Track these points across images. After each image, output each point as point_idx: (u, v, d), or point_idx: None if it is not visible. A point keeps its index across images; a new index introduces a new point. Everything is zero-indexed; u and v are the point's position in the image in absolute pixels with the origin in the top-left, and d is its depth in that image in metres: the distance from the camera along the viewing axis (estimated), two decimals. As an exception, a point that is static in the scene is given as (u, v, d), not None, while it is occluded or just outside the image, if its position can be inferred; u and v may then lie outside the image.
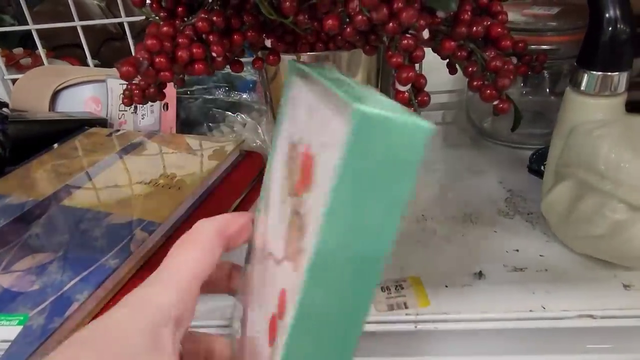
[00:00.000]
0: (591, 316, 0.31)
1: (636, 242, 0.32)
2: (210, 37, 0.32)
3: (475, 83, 0.30)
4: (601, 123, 0.33)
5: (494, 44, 0.31)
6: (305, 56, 0.37)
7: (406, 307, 0.33)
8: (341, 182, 0.14)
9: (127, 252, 0.34)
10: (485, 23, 0.31)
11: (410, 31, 0.27)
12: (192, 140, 0.50)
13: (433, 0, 0.26)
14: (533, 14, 0.50)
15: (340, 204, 0.14)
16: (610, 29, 0.31)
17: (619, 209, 0.32)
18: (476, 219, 0.42)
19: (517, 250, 0.38)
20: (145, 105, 0.57)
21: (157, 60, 0.29)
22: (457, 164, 0.51)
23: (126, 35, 0.63)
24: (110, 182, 0.43)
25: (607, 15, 0.31)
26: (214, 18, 0.32)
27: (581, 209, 0.33)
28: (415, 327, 0.32)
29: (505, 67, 0.30)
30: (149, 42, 0.29)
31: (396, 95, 0.29)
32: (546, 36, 0.47)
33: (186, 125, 0.55)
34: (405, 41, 0.27)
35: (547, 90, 0.53)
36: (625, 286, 0.33)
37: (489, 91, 0.29)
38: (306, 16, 0.30)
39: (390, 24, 0.27)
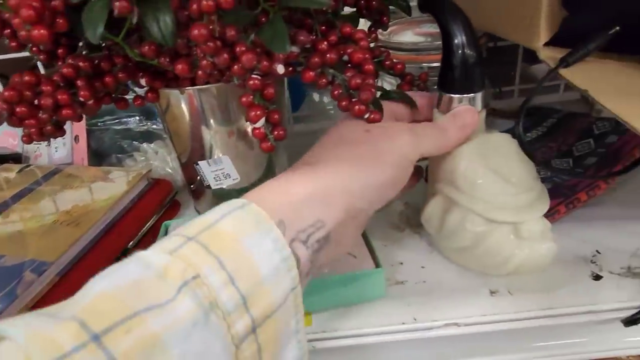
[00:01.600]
0: (456, 324, 0.34)
1: (493, 251, 0.34)
2: (78, 82, 0.33)
3: (343, 103, 0.32)
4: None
5: (358, 69, 0.33)
6: (189, 90, 0.39)
7: (289, 328, 0.35)
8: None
9: (13, 295, 0.34)
10: (348, 50, 0.33)
11: (255, 72, 0.29)
12: (98, 172, 0.51)
13: (270, 44, 0.27)
14: (425, 32, 0.53)
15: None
16: (460, 53, 0.34)
17: (477, 222, 0.34)
18: (370, 233, 0.44)
19: (402, 263, 0.40)
20: (57, 138, 0.57)
21: (18, 109, 0.30)
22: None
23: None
24: (8, 221, 0.43)
25: (455, 41, 0.34)
26: (80, 63, 0.33)
27: (449, 222, 0.36)
28: (296, 347, 0.34)
29: (366, 82, 0.32)
30: (6, 93, 0.30)
31: (253, 132, 0.31)
32: (435, 54, 0.50)
33: (98, 156, 0.55)
34: (252, 82, 0.29)
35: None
36: (492, 292, 0.36)
37: (357, 107, 0.31)
38: (167, 59, 0.32)
39: (235, 67, 0.28)
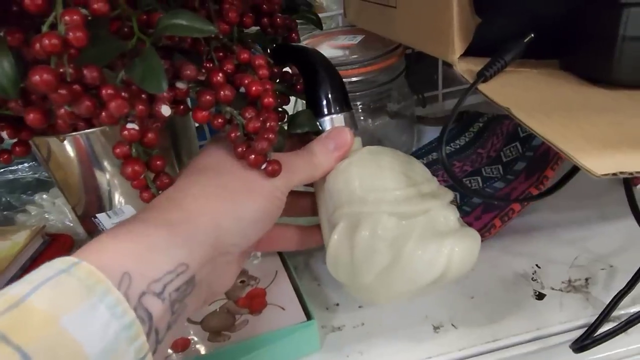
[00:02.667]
0: (400, 373, 0.30)
1: (416, 256, 0.29)
2: None
3: (239, 150, 0.27)
4: (344, 160, 0.32)
5: (256, 103, 0.29)
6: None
7: (214, 404, 0.30)
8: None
9: None
10: (245, 81, 0.29)
11: (129, 120, 0.24)
12: (-19, 234, 0.43)
13: (141, 83, 0.22)
14: (341, 45, 0.50)
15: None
16: (322, 88, 0.33)
17: (390, 225, 0.30)
18: (301, 274, 0.40)
19: (338, 304, 0.36)
20: None
21: None
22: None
23: None
24: None
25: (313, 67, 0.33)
26: None
27: (360, 242, 0.30)
28: None
29: (268, 125, 0.28)
30: None
31: (131, 183, 0.26)
32: (354, 68, 0.47)
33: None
34: (126, 132, 0.24)
35: (387, 111, 0.53)
36: (435, 328, 0.33)
37: (252, 157, 0.27)
38: (20, 102, 0.26)
39: (103, 115, 0.23)
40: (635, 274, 0.32)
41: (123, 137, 0.25)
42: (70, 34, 0.19)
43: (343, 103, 0.33)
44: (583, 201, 0.43)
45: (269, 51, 0.37)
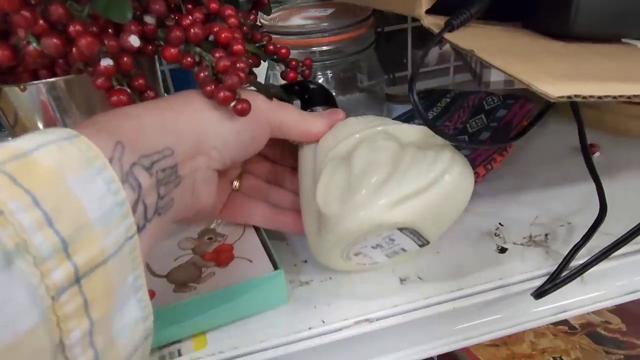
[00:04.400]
0: (367, 320, 0.31)
1: (418, 156, 0.28)
2: None
3: (207, 89, 0.27)
4: None
5: (226, 50, 0.29)
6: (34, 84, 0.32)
7: (180, 355, 0.30)
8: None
9: None
10: (215, 29, 0.29)
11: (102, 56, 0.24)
12: None
13: (106, 12, 0.22)
14: (311, 16, 0.50)
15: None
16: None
17: (386, 143, 0.29)
18: (269, 232, 0.39)
19: (306, 261, 0.36)
20: None
21: None
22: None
23: None
24: None
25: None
26: None
27: (359, 160, 0.29)
28: (189, 375, 0.29)
29: (238, 65, 0.27)
30: None
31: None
32: (324, 37, 0.47)
33: None
34: (103, 67, 0.24)
35: (357, 86, 0.54)
36: (402, 280, 0.33)
37: (222, 94, 0.27)
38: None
39: (74, 52, 0.23)
40: (591, 227, 0.34)
41: (100, 73, 0.24)
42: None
43: (330, 101, 0.37)
44: (544, 166, 0.44)
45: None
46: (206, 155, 0.27)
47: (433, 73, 0.68)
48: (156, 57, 0.35)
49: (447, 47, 0.74)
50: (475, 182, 0.41)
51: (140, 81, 0.27)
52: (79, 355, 0.18)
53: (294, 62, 0.38)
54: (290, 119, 0.32)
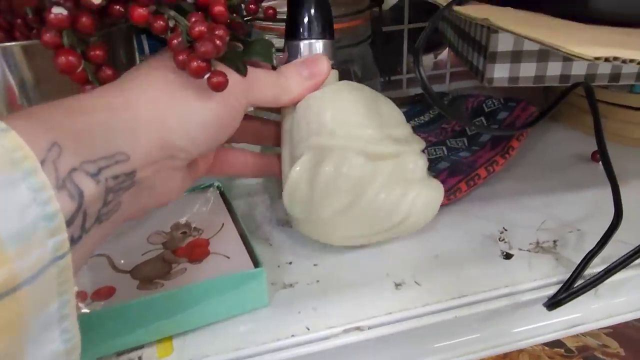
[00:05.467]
0: (358, 328, 0.27)
1: (379, 200, 0.29)
2: None
3: (180, 57, 0.24)
4: (319, 89, 0.30)
5: (206, 13, 0.26)
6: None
7: (140, 363, 0.25)
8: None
9: None
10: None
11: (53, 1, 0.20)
12: None
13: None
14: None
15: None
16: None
17: (356, 163, 0.29)
18: (252, 232, 0.36)
19: (290, 263, 0.32)
20: None
21: None
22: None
23: None
24: None
25: None
26: None
27: (322, 177, 0.29)
28: (148, 387, 0.25)
29: (217, 32, 0.24)
30: None
31: (72, 79, 0.22)
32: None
33: None
34: (52, 16, 0.20)
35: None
36: (397, 285, 0.30)
37: (195, 63, 0.23)
38: None
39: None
40: (606, 233, 0.31)
41: (50, 23, 0.21)
42: None
43: (326, 28, 0.31)
44: (548, 174, 0.41)
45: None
46: (174, 159, 0.24)
47: (428, 80, 0.65)
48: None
49: (442, 55, 0.72)
50: (476, 184, 0.38)
51: (98, 52, 0.23)
52: None
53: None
54: (267, 94, 0.28)
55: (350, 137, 0.29)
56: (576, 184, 0.39)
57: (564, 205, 0.37)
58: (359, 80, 0.50)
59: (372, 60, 0.51)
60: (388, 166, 0.29)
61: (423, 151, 0.32)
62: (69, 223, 0.17)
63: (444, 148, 0.43)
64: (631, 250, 0.27)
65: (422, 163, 0.31)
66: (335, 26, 0.44)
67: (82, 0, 0.21)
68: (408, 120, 0.50)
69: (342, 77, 0.49)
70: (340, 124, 0.29)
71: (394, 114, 0.32)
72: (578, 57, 0.17)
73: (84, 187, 0.18)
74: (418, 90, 0.62)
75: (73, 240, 0.17)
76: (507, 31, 0.21)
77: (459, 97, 0.51)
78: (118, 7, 0.24)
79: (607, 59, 0.17)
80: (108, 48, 0.24)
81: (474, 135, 0.45)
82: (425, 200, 0.30)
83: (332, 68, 0.31)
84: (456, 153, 0.42)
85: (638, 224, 0.33)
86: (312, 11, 0.30)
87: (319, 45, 0.31)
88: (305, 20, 0.30)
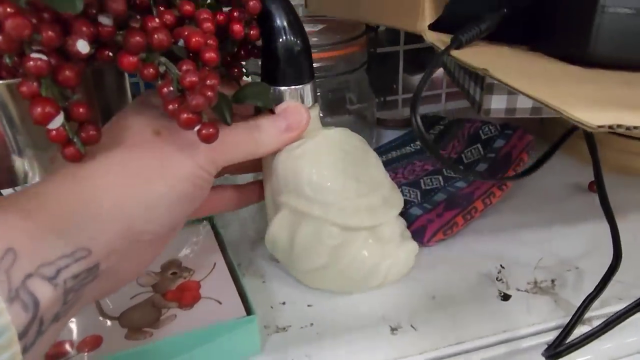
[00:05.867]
0: (353, 379, 0.26)
1: (355, 264, 0.30)
2: None
3: (170, 107, 0.23)
4: (299, 142, 0.29)
5: (197, 58, 0.25)
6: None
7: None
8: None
9: None
10: (185, 33, 0.25)
11: (34, 49, 0.19)
12: None
13: (52, 1, 0.18)
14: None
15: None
16: (282, 41, 0.28)
17: (334, 233, 0.29)
18: (244, 268, 0.35)
19: (284, 303, 0.32)
20: None
21: None
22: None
23: None
24: None
25: (276, 25, 0.28)
26: None
27: (300, 239, 0.30)
28: None
29: (208, 82, 0.23)
30: None
31: (48, 133, 0.21)
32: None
33: None
34: (31, 62, 0.19)
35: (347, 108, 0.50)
36: (393, 329, 0.29)
37: (185, 115, 0.23)
38: None
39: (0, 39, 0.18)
40: (604, 276, 0.30)
41: (27, 70, 0.20)
42: None
43: (306, 72, 0.29)
44: (545, 205, 0.41)
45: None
46: (139, 243, 0.23)
47: (424, 99, 0.65)
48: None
49: (437, 73, 0.72)
50: (473, 217, 0.37)
51: (82, 110, 0.21)
52: None
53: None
54: (238, 153, 0.26)
55: (327, 206, 0.29)
56: (574, 216, 0.39)
57: (562, 241, 0.36)
58: (354, 111, 0.50)
59: (367, 85, 0.50)
60: (364, 234, 0.30)
61: (402, 210, 0.32)
62: (22, 335, 0.16)
63: (440, 178, 0.43)
64: (631, 304, 0.26)
65: (397, 229, 0.32)
66: (332, 53, 0.44)
67: (69, 48, 0.21)
68: (405, 146, 0.51)
69: (337, 104, 0.49)
70: (317, 189, 0.28)
71: (373, 174, 0.31)
72: (579, 124, 0.16)
73: (40, 294, 0.17)
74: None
75: (26, 349, 0.17)
76: (507, 85, 0.20)
77: (456, 122, 0.51)
78: (107, 52, 0.24)
79: (610, 127, 0.16)
80: (92, 103, 0.23)
81: (470, 163, 0.45)
82: (399, 266, 0.32)
83: (314, 105, 0.30)
84: (453, 183, 0.42)
85: (639, 262, 0.33)
86: (291, 57, 0.28)
87: (298, 90, 0.29)
88: (284, 66, 0.28)
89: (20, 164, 0.32)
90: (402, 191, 0.40)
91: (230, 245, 0.34)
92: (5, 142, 0.30)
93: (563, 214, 0.39)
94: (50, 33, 0.19)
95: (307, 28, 0.47)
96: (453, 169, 0.41)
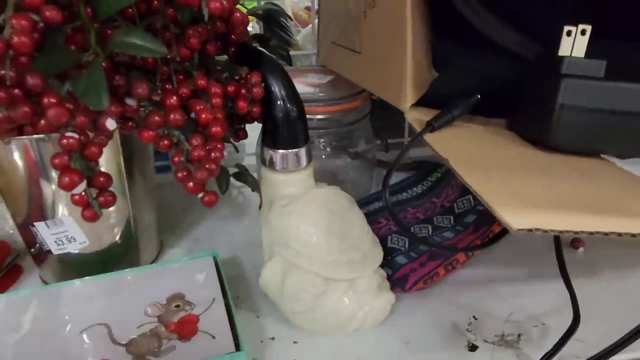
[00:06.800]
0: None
1: (334, 312, 0.34)
2: None
3: (179, 175, 0.28)
4: (290, 198, 0.34)
5: (204, 130, 0.29)
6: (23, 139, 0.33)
7: None
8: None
9: None
10: (197, 108, 0.29)
11: (69, 129, 0.24)
12: None
13: (83, 96, 0.22)
14: (308, 82, 0.51)
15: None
16: (280, 107, 0.32)
17: (317, 282, 0.33)
18: (242, 301, 0.39)
19: (273, 339, 0.35)
20: None
21: None
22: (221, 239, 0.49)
23: None
24: None
25: (274, 95, 0.32)
26: None
27: (288, 285, 0.34)
28: None
29: (212, 155, 0.28)
30: None
31: (71, 198, 0.25)
32: (318, 107, 0.48)
33: None
34: (65, 141, 0.24)
35: (349, 152, 0.54)
36: (366, 372, 0.32)
37: (191, 184, 0.27)
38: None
39: (41, 122, 0.23)
40: (563, 336, 0.33)
41: (61, 146, 0.24)
42: (15, 38, 0.20)
43: (302, 135, 0.34)
44: (527, 258, 0.44)
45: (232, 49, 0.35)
46: None
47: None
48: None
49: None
50: (455, 268, 0.41)
51: (102, 179, 0.26)
52: None
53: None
54: None
55: (311, 259, 0.33)
56: (549, 272, 0.41)
57: (533, 295, 0.39)
58: (356, 154, 0.54)
59: (370, 130, 0.54)
60: (343, 285, 0.34)
61: (389, 258, 0.38)
62: None
63: (430, 227, 0.46)
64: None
65: (374, 282, 0.35)
66: (337, 107, 0.48)
67: (98, 125, 0.25)
68: (402, 192, 0.54)
69: (341, 148, 0.53)
70: (304, 244, 0.33)
71: (356, 232, 0.36)
72: (504, 224, 0.20)
73: None
74: (419, 152, 0.65)
75: None
76: (461, 178, 0.24)
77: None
78: (131, 123, 0.28)
79: (529, 230, 0.20)
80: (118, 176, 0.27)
81: (460, 213, 0.48)
82: (376, 314, 0.35)
83: (308, 165, 0.35)
84: (440, 233, 0.45)
85: (599, 321, 0.35)
86: (290, 121, 0.33)
87: (295, 152, 0.34)
88: (282, 132, 0.33)
89: (50, 200, 0.36)
90: (391, 239, 0.43)
91: (230, 280, 0.38)
92: (40, 183, 0.35)
93: (542, 268, 0.42)
94: (83, 119, 0.24)
95: (316, 79, 0.51)
96: (414, 238, 0.44)
